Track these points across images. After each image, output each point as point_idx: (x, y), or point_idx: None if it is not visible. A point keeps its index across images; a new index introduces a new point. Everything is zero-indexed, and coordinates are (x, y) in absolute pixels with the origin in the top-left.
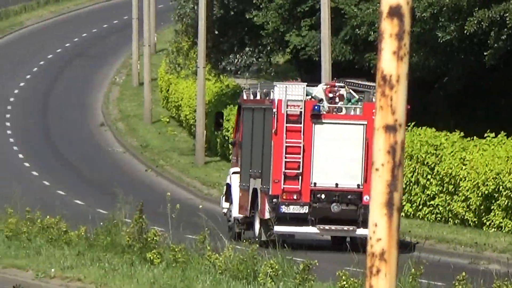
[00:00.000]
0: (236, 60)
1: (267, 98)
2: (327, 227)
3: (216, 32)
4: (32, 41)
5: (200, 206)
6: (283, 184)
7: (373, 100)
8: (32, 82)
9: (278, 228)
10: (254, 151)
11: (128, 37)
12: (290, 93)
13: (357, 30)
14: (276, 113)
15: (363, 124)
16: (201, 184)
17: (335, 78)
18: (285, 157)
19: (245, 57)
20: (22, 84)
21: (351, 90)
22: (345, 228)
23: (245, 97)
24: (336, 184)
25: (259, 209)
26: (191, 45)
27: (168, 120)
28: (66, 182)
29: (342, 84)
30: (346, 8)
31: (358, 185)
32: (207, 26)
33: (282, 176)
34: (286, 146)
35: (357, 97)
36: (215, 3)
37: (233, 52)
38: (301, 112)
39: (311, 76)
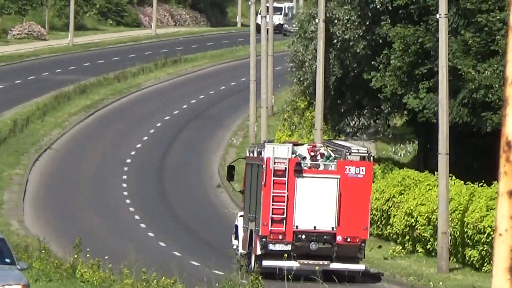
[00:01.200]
0: (353, 122)
1: (260, 156)
2: (306, 261)
3: (333, 93)
4: (149, 102)
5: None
6: (271, 227)
7: (347, 158)
8: (149, 144)
9: (266, 262)
10: (251, 199)
11: (245, 99)
12: (277, 153)
13: (474, 94)
14: (265, 168)
15: (337, 178)
16: None
17: (314, 142)
18: (272, 205)
19: (363, 119)
20: (139, 145)
21: (329, 150)
22: (321, 262)
23: (248, 154)
24: (314, 227)
25: (253, 246)
26: (307, 105)
27: None
28: (182, 243)
29: (321, 145)
30: (463, 69)
31: (332, 228)
32: (325, 87)
33: (270, 220)
34: (273, 196)
35: (333, 155)
36: (335, 63)
37: (350, 113)
38: (285, 168)
39: (429, 138)
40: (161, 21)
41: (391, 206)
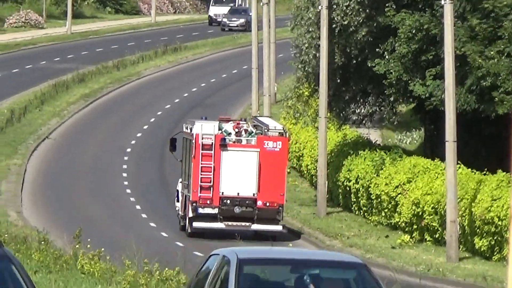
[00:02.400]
0: (358, 109)
1: (191, 132)
2: (230, 223)
3: (338, 81)
4: (149, 91)
5: (290, 245)
6: (200, 193)
7: (266, 134)
8: (150, 133)
9: (196, 224)
10: (185, 168)
11: (247, 87)
12: (204, 129)
13: (482, 81)
14: (194, 143)
15: (257, 151)
16: (323, 235)
17: (242, 118)
18: (201, 174)
19: (368, 106)
20: (139, 134)
21: (250, 126)
22: (243, 224)
23: (183, 129)
24: (238, 193)
25: (186, 210)
26: (311, 92)
27: (288, 170)
28: (184, 234)
29: (244, 122)
30: (470, 56)
31: (254, 194)
32: (329, 74)
33: (199, 187)
34: (201, 167)
35: (254, 131)
36: (336, 51)
37: (355, 101)
38: (212, 142)
39: (435, 125)
40: (160, 9)
41: (400, 194)
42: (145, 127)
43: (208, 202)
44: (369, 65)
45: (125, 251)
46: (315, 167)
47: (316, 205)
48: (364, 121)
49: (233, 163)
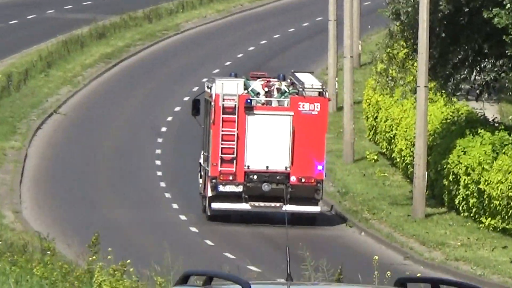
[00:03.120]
0: (470, 76)
1: (209, 92)
2: (257, 203)
3: (444, 36)
4: (191, 51)
5: (405, 260)
6: (220, 167)
7: (303, 94)
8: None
9: (215, 205)
10: (205, 137)
11: (322, 45)
12: (226, 88)
13: None
14: (214, 105)
15: (290, 115)
16: (420, 244)
17: (280, 74)
18: (221, 144)
19: (483, 73)
20: (177, 108)
21: (284, 85)
22: (273, 204)
23: (205, 89)
24: (267, 167)
25: (205, 188)
26: (409, 52)
27: (376, 157)
28: (234, 242)
29: (276, 79)
30: None
31: (286, 168)
32: (431, 28)
33: (219, 160)
34: (222, 135)
35: (288, 91)
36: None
37: (466, 65)
38: (235, 105)
39: None
40: None
41: None
42: (186, 99)
43: (231, 178)
44: (486, 16)
45: (157, 264)
46: (411, 153)
47: (411, 204)
48: (479, 92)
49: (261, 130)
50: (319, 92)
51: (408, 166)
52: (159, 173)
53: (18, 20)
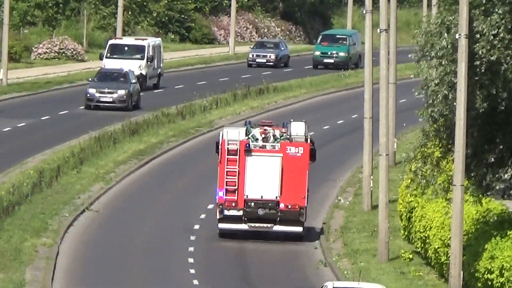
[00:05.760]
0: (506, 175)
1: (218, 138)
2: (253, 224)
3: (478, 135)
4: None
5: None
6: (225, 196)
7: (292, 140)
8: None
9: (221, 225)
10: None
11: (357, 143)
12: (230, 135)
13: None
14: (221, 148)
15: (280, 156)
16: None
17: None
18: (226, 178)
19: None
20: (210, 206)
21: (276, 132)
22: (265, 225)
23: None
24: (261, 196)
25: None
26: (444, 151)
27: (411, 256)
28: None
29: (270, 128)
30: None
31: (276, 197)
32: (467, 126)
33: (224, 191)
34: (227, 171)
35: (279, 137)
36: (477, 94)
37: (502, 164)
38: (237, 148)
39: None
40: (241, 36)
41: None
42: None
43: (234, 204)
44: None
45: None
46: (446, 253)
47: None
48: None
49: (257, 167)
50: (302, 139)
51: (443, 266)
52: (192, 271)
53: (49, 115)
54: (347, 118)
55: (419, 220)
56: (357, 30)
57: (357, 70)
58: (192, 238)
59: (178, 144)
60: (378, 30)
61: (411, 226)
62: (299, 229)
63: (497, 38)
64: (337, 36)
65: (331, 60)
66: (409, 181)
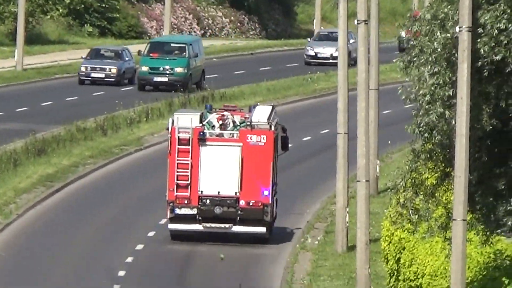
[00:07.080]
0: None
1: (167, 125)
2: (209, 224)
3: (484, 158)
4: (157, 171)
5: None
6: (176, 192)
7: (253, 127)
8: (158, 242)
9: (171, 226)
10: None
11: (329, 166)
12: (181, 122)
13: None
14: (170, 137)
15: (239, 146)
16: None
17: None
18: (177, 171)
19: None
20: (139, 247)
21: (236, 118)
22: (223, 225)
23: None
24: (218, 192)
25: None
26: (441, 177)
27: None
28: None
29: (229, 113)
30: None
31: (236, 193)
32: (471, 145)
33: (175, 186)
34: (177, 163)
35: (240, 124)
36: (482, 107)
37: None
38: (189, 137)
39: None
40: (179, 28)
41: None
42: (151, 234)
43: (186, 201)
44: None
45: None
46: None
47: None
48: None
49: (213, 159)
50: (265, 126)
51: None
52: None
53: None
54: (316, 134)
55: (409, 265)
56: (328, 20)
57: (329, 72)
58: (116, 287)
59: (97, 167)
60: (356, 22)
61: (399, 271)
62: (262, 229)
63: (503, 34)
64: (172, 44)
65: (164, 79)
66: (396, 214)
